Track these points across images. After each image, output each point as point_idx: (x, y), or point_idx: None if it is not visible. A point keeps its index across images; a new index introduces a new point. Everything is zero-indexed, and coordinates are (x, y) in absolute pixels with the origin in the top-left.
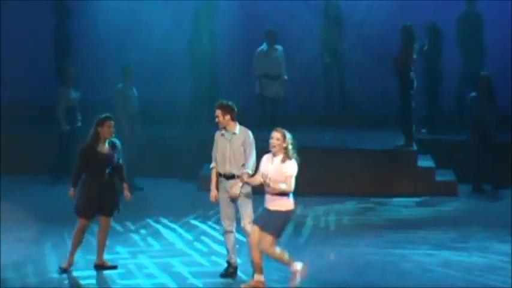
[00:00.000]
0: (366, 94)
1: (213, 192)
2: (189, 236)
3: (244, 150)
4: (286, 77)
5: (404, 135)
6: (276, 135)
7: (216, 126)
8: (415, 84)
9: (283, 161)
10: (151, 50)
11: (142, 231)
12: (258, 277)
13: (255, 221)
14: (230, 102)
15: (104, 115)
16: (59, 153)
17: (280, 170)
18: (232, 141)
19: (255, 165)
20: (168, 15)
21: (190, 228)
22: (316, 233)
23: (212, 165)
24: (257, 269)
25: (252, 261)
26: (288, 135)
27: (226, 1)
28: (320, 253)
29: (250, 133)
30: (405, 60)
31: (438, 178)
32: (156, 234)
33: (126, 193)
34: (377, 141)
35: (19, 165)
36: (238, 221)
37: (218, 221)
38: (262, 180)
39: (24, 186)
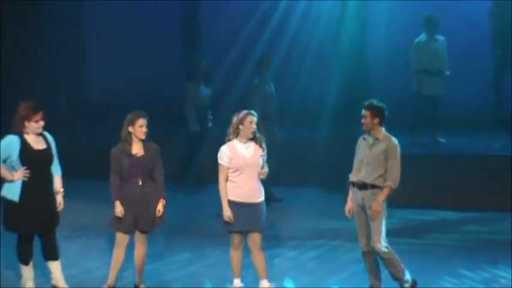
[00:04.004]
0: None
1: (349, 205)
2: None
3: (386, 159)
4: (448, 73)
5: None
6: (253, 119)
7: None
8: None
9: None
10: (293, 41)
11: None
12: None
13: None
14: (382, 104)
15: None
16: (189, 156)
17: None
18: (373, 147)
19: (398, 178)
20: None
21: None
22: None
23: (351, 175)
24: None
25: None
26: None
27: None
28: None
29: (395, 141)
30: None
31: None
32: (288, 258)
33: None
34: None
35: None
36: None
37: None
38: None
39: None
